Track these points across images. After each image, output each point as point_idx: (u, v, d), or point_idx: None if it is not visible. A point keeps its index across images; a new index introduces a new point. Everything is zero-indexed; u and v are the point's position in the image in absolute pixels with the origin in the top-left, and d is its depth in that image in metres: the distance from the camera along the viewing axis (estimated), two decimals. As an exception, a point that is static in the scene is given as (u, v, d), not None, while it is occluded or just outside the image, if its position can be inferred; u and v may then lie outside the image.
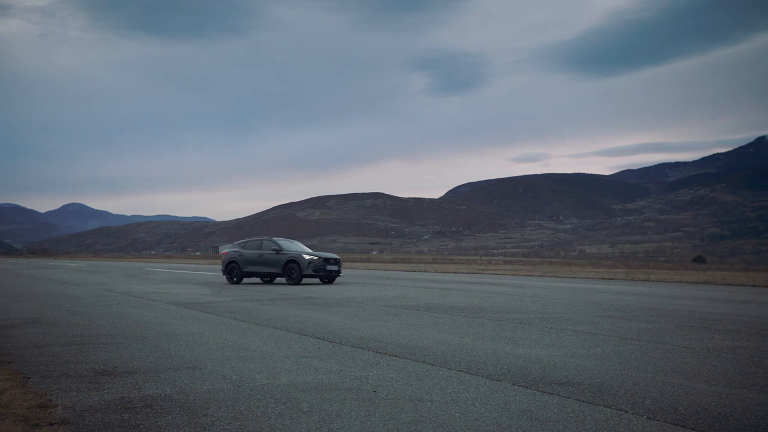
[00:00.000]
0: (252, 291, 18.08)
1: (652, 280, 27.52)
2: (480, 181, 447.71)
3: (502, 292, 17.88)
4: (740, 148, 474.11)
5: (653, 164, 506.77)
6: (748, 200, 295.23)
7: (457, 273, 36.66)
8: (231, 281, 23.22)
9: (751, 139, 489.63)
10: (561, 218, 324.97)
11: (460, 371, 6.29)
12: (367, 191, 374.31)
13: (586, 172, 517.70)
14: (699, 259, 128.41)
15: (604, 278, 29.08)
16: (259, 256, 23.01)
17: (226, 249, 25.20)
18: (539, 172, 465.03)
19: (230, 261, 23.59)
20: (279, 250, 22.75)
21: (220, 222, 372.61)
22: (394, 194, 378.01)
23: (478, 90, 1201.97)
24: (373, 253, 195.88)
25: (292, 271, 22.06)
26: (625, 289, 20.72)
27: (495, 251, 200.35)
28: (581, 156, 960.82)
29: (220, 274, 28.60)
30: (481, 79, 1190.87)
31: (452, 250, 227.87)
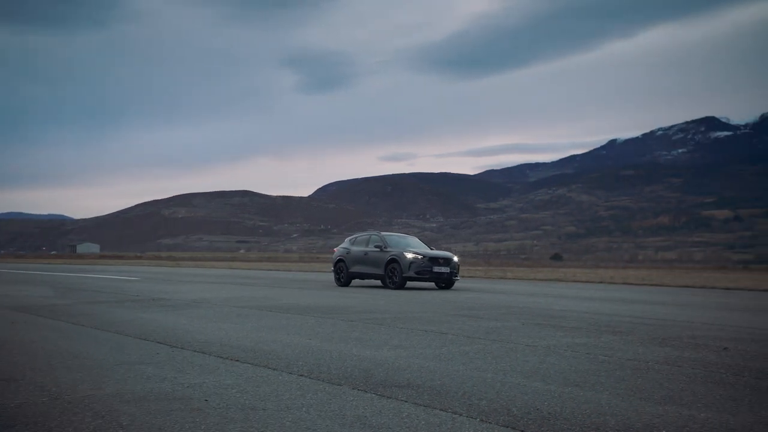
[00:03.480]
0: (100, 294, 17.22)
1: (509, 278, 28.37)
2: (349, 180, 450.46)
3: (361, 292, 17.88)
4: (594, 150, 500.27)
5: (515, 164, 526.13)
6: (601, 200, 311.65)
7: (321, 272, 36.49)
8: (338, 283, 21.11)
9: (604, 142, 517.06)
10: (428, 217, 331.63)
11: (302, 376, 6.10)
12: (235, 189, 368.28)
13: (452, 171, 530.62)
14: (556, 257, 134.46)
15: (464, 276, 29.71)
16: (365, 255, 20.48)
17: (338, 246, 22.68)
18: (407, 171, 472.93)
19: (338, 259, 21.30)
20: (383, 247, 20.07)
21: (79, 220, 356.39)
22: (263, 192, 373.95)
23: (347, 89, 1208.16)
24: (241, 251, 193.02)
25: (394, 272, 19.49)
26: (483, 286, 21.20)
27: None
28: (447, 156, 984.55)
29: (73, 274, 27.09)
30: (351, 78, 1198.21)
31: (321, 248, 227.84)
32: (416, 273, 19.01)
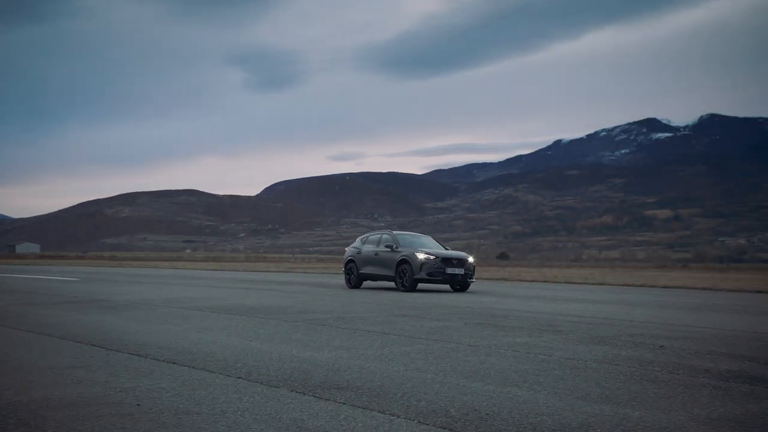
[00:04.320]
0: (35, 295, 16.77)
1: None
2: (297, 179, 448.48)
3: (306, 292, 17.76)
4: (540, 150, 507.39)
5: (462, 164, 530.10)
6: (547, 200, 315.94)
7: (267, 272, 36.21)
8: (349, 285, 20.22)
9: (550, 142, 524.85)
10: (375, 216, 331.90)
11: (239, 378, 6.00)
12: (181, 188, 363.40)
13: (400, 171, 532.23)
14: (503, 256, 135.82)
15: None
16: (375, 255, 19.53)
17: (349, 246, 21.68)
18: (355, 171, 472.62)
19: (349, 260, 20.40)
20: (394, 247, 19.10)
21: (18, 219, 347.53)
22: (210, 191, 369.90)
23: (295, 87, 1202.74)
24: (186, 251, 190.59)
25: (404, 273, 18.53)
26: (427, 286, 21.25)
27: (311, 249, 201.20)
28: (396, 155, 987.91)
29: (8, 275, 26.31)
30: (299, 76, 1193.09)
31: (268, 248, 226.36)
32: (428, 274, 18.16)
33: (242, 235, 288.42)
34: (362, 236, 21.18)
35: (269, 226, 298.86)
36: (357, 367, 6.52)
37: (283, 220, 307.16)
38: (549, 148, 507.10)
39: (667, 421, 4.58)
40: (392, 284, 19.51)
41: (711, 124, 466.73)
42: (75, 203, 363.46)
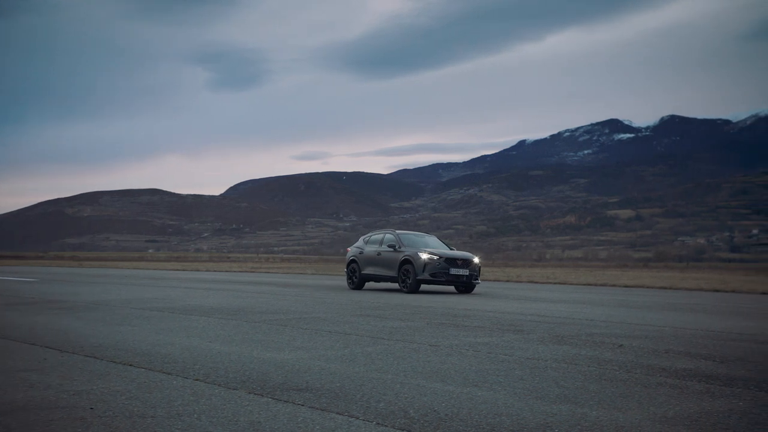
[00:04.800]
0: (-7, 295, 16.41)
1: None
2: (262, 179, 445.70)
3: (269, 292, 17.64)
4: (504, 150, 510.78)
5: (428, 164, 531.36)
6: (511, 199, 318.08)
7: (230, 272, 35.95)
8: (351, 286, 19.54)
9: (514, 143, 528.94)
10: (341, 216, 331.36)
11: (197, 380, 5.91)
12: (144, 187, 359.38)
13: (365, 170, 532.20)
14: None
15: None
16: (378, 255, 18.85)
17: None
18: (321, 171, 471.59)
19: (351, 260, 19.72)
20: (397, 247, 18.44)
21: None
22: (173, 191, 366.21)
23: (260, 87, 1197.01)
24: (149, 251, 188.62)
25: (407, 274, 17.86)
26: (390, 286, 21.23)
27: (275, 249, 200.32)
28: (361, 155, 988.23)
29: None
30: (264, 75, 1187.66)
31: (232, 248, 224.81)
32: (431, 275, 17.54)
33: (206, 234, 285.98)
34: (365, 236, 20.57)
35: (233, 226, 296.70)
36: (317, 368, 6.47)
37: (248, 220, 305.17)
38: (513, 148, 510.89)
39: (623, 421, 4.61)
40: (395, 285, 18.78)
41: (671, 125, 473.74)
42: (34, 203, 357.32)
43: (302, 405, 5.07)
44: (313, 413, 4.85)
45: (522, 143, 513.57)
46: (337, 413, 4.85)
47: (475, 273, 18.15)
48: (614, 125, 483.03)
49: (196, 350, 7.51)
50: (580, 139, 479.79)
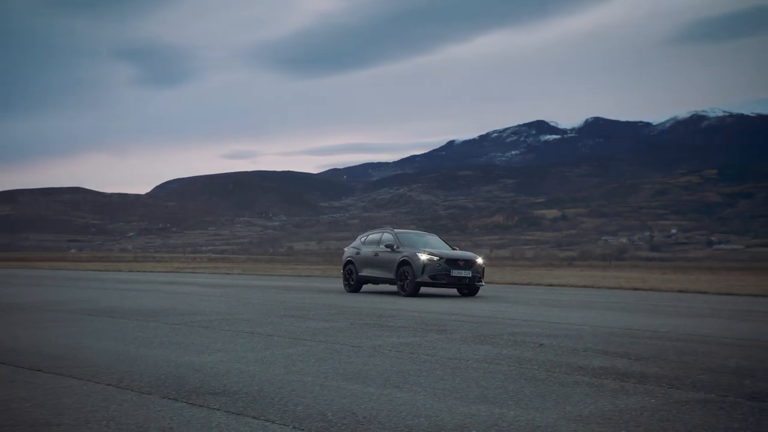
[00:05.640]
0: None
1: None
2: (190, 178, 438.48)
3: (192, 292, 17.32)
4: (434, 150, 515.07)
5: (358, 164, 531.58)
6: (440, 199, 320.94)
7: (154, 272, 35.20)
8: (347, 288, 18.60)
9: (443, 143, 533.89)
10: (270, 215, 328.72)
11: (109, 385, 5.71)
12: (66, 186, 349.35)
13: (295, 170, 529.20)
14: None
15: (300, 275, 29.57)
16: (375, 256, 17.89)
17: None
18: (250, 169, 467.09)
19: (347, 261, 18.74)
20: (395, 247, 17.47)
21: None
22: (97, 189, 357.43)
23: (188, 84, 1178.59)
24: (72, 251, 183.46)
25: (405, 276, 16.89)
26: (318, 286, 21.13)
27: (204, 248, 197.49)
28: (291, 154, 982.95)
29: None
30: (192, 73, 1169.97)
31: (159, 247, 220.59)
32: (431, 277, 16.55)
33: (131, 234, 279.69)
34: (362, 235, 19.64)
35: (160, 225, 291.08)
36: (236, 371, 6.34)
37: (175, 219, 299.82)
38: (442, 148, 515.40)
39: (540, 420, 4.63)
40: (394, 288, 17.86)
41: (595, 127, 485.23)
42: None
43: (218, 409, 4.95)
44: (228, 418, 4.73)
45: (451, 143, 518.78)
46: (253, 417, 4.75)
47: (478, 275, 17.18)
48: (541, 126, 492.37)
49: (111, 354, 7.27)
50: (508, 139, 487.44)
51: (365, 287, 19.40)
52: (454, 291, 18.43)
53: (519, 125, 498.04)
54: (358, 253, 18.54)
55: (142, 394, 5.41)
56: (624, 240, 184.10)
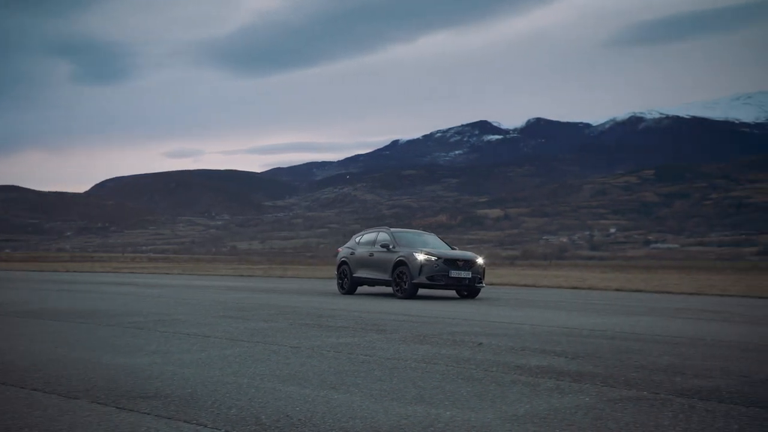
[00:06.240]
0: None
1: (289, 276, 28.30)
2: (131, 176, 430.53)
3: (130, 293, 16.96)
4: (378, 150, 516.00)
5: (302, 163, 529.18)
6: (384, 199, 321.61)
7: (92, 272, 34.44)
8: (341, 290, 17.87)
9: (388, 142, 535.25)
10: (213, 214, 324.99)
11: (35, 390, 5.51)
12: (1, 184, 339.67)
13: (238, 169, 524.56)
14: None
15: (242, 275, 29.28)
16: (370, 256, 17.19)
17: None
18: (192, 168, 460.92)
19: (341, 262, 18.02)
20: (391, 247, 16.72)
21: None
22: (33, 188, 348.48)
23: (129, 81, 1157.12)
24: (6, 251, 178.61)
25: (402, 277, 16.14)
26: (258, 286, 20.92)
27: (144, 248, 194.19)
28: (234, 153, 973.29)
29: None
30: (133, 70, 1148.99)
31: (98, 247, 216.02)
32: (428, 278, 15.84)
33: (69, 233, 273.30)
34: (357, 234, 18.97)
35: (99, 225, 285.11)
36: (170, 374, 6.20)
37: (115, 218, 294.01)
38: (387, 148, 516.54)
39: (475, 420, 4.62)
40: (390, 290, 17.17)
41: (537, 127, 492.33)
42: None
43: (148, 414, 4.81)
44: (158, 422, 4.60)
45: (395, 143, 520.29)
46: (185, 421, 4.63)
47: (479, 275, 16.49)
48: (484, 127, 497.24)
49: (40, 357, 7.04)
50: (452, 139, 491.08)
51: (360, 289, 18.65)
52: (452, 293, 17.81)
53: (462, 125, 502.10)
54: (352, 254, 17.88)
55: (70, 398, 5.24)
56: (564, 239, 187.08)
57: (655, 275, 40.49)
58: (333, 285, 21.47)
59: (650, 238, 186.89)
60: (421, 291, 17.27)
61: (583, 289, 24.07)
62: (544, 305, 15.28)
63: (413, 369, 6.51)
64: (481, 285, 16.68)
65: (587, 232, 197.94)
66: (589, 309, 14.35)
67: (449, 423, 4.55)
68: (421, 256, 15.89)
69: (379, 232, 17.80)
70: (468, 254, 16.84)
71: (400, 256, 16.27)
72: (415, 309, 13.29)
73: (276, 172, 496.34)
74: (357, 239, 18.51)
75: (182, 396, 5.33)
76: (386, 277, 16.62)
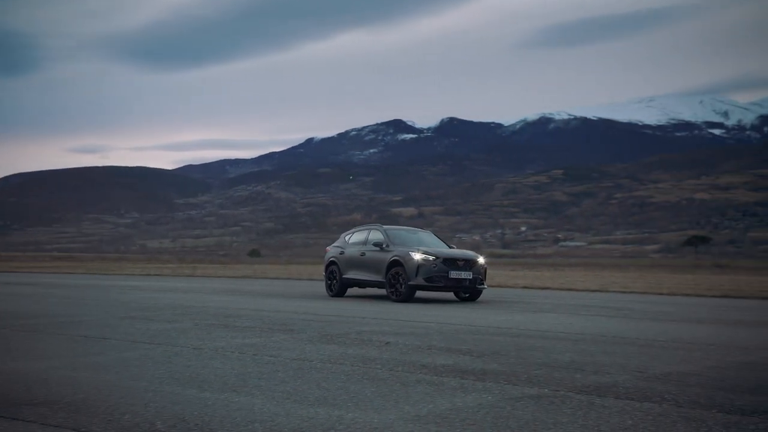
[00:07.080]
0: None
1: (198, 276, 27.78)
2: (34, 172, 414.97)
3: (28, 294, 16.29)
4: (293, 148, 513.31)
5: (214, 160, 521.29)
6: (298, 197, 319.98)
7: (-11, 272, 33.01)
8: (330, 292, 16.67)
9: (302, 140, 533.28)
10: (122, 212, 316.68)
11: None
12: None
13: (149, 165, 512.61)
14: (254, 253, 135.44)
15: (149, 275, 28.56)
16: (361, 255, 15.99)
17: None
18: (99, 164, 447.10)
19: (330, 262, 16.79)
20: (384, 246, 15.54)
21: None
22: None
23: (33, 74, 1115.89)
24: None
25: (397, 278, 15.02)
26: (166, 285, 20.44)
27: (47, 247, 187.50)
28: (144, 149, 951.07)
29: None
30: (37, 62, 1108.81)
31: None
32: (426, 280, 14.75)
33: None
34: (347, 232, 17.73)
35: (0, 223, 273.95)
36: (63, 378, 5.93)
37: (16, 216, 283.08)
38: (301, 146, 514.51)
39: (378, 421, 4.57)
40: (383, 292, 16.15)
41: (450, 127, 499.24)
42: None
43: (34, 422, 4.56)
44: (44, 430, 4.37)
45: (310, 141, 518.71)
46: (73, 429, 4.41)
47: (480, 276, 15.49)
48: (398, 125, 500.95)
49: None
50: (366, 138, 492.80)
51: (350, 291, 17.68)
52: (451, 295, 16.89)
53: (377, 124, 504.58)
54: (342, 253, 16.78)
55: (-51, 408, 4.93)
56: (477, 237, 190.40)
57: (562, 273, 41.56)
58: (242, 283, 21.18)
59: (559, 236, 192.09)
60: (418, 293, 16.37)
61: (493, 287, 24.44)
62: (452, 303, 15.41)
63: (318, 370, 6.42)
64: (482, 286, 15.74)
65: (499, 231, 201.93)
66: (495, 307, 14.53)
67: (351, 424, 4.48)
68: (417, 256, 14.89)
69: (370, 230, 16.76)
70: (468, 253, 16.05)
71: (395, 256, 15.23)
72: (323, 309, 13.18)
73: (188, 170, 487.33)
74: (347, 237, 17.44)
75: (73, 402, 5.09)
76: (380, 278, 15.62)
